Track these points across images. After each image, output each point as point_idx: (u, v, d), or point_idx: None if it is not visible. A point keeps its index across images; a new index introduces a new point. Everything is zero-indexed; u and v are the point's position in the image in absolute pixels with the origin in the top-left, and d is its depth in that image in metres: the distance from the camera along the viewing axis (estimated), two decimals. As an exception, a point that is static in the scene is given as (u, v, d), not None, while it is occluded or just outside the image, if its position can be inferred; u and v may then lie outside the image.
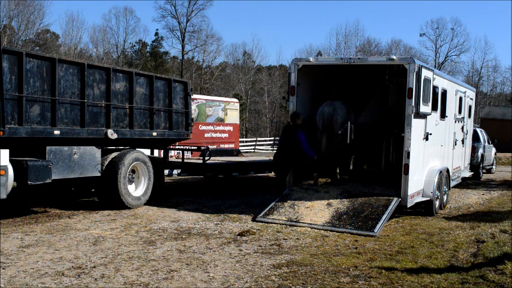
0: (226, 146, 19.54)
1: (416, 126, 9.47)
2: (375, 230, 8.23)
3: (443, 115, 11.28)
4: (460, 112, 13.17)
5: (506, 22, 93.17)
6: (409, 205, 9.39)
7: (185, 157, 13.24)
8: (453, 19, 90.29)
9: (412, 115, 9.18)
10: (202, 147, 12.89)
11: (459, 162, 13.69)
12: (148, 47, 58.60)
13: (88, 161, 9.38)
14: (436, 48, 63.86)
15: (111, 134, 9.67)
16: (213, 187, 13.95)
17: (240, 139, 31.00)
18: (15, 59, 8.01)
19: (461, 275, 5.99)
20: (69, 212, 9.68)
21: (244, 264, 6.37)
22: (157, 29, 70.72)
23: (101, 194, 10.18)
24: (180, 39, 53.52)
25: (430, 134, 10.17)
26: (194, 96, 16.98)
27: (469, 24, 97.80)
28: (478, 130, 19.11)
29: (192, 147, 13.88)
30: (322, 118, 10.37)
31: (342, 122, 10.30)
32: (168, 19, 64.74)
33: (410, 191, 9.32)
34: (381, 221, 8.52)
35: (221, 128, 19.77)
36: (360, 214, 8.83)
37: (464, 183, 15.64)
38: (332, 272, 6.08)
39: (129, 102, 10.19)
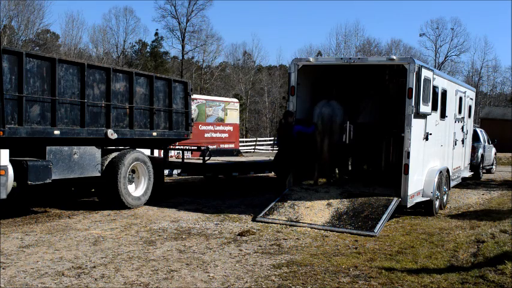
0: (226, 146, 19.54)
1: (416, 126, 9.47)
2: (375, 230, 8.23)
3: (443, 115, 11.28)
4: (460, 112, 13.17)
5: (506, 22, 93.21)
6: (409, 205, 9.39)
7: (185, 157, 13.24)
8: (453, 19, 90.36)
9: (412, 115, 9.19)
10: (202, 147, 12.89)
11: (459, 162, 13.68)
12: (148, 47, 58.56)
13: (88, 161, 9.38)
14: (436, 48, 63.96)
15: (111, 134, 9.67)
16: (213, 187, 13.95)
17: (240, 139, 30.99)
18: (15, 59, 8.01)
19: (461, 275, 5.99)
20: (69, 212, 9.68)
21: (244, 264, 6.37)
22: (157, 29, 70.80)
23: (101, 194, 10.18)
24: (180, 39, 53.52)
25: (430, 134, 10.17)
26: (194, 96, 16.98)
27: (469, 24, 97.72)
28: (478, 130, 19.10)
29: (192, 147, 13.88)
30: (322, 119, 10.35)
31: (341, 122, 10.32)
32: (168, 19, 64.72)
33: (410, 191, 9.32)
34: (381, 221, 8.52)
35: (221, 128, 19.77)
36: (360, 214, 8.83)
37: (464, 183, 15.63)
38: (332, 272, 6.08)
39: (129, 102, 10.19)
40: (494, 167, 21.47)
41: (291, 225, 8.69)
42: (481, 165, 18.45)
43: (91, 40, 62.95)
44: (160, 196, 11.31)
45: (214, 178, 14.28)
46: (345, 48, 60.15)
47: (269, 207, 9.48)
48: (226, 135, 19.96)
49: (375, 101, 11.14)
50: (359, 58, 10.95)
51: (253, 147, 34.24)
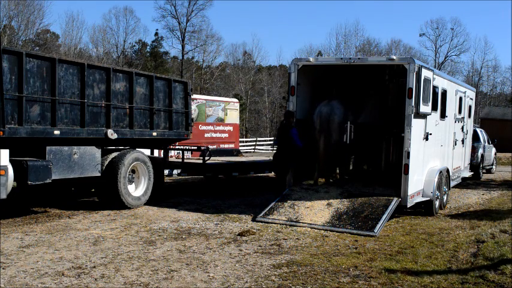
0: (226, 146, 19.54)
1: (416, 126, 9.47)
2: (375, 230, 8.23)
3: (443, 115, 11.28)
4: (460, 112, 13.17)
5: (506, 22, 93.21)
6: (409, 205, 9.40)
7: (185, 157, 13.24)
8: (453, 19, 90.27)
9: (412, 115, 9.19)
10: (202, 147, 12.89)
11: (459, 162, 13.68)
12: (148, 47, 58.57)
13: (88, 161, 9.38)
14: (436, 48, 63.93)
15: (111, 134, 9.67)
16: (213, 187, 13.95)
17: (240, 139, 30.99)
18: (15, 59, 8.01)
19: (461, 275, 5.99)
20: (69, 212, 9.68)
21: (244, 264, 6.37)
22: (157, 29, 70.67)
23: (101, 194, 10.18)
24: (180, 39, 53.55)
25: (430, 134, 10.17)
26: (194, 96, 16.98)
27: (469, 24, 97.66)
28: (478, 130, 19.09)
29: (192, 147, 13.88)
30: (320, 118, 10.39)
31: (340, 121, 10.32)
32: (168, 19, 64.45)
33: (410, 191, 9.32)
34: (381, 221, 8.52)
35: (221, 128, 19.77)
36: (360, 214, 8.83)
37: (464, 183, 15.63)
38: (332, 272, 6.08)
39: (129, 102, 10.19)
40: (494, 167, 21.47)
41: (291, 225, 8.69)
42: (481, 165, 18.45)
43: (91, 40, 63.06)
44: (160, 196, 11.30)
45: (214, 178, 14.27)
46: (345, 48, 60.21)
47: (269, 207, 9.49)
48: (226, 135, 19.96)
49: (375, 101, 11.15)
50: (359, 58, 10.95)
51: (253, 147, 34.25)
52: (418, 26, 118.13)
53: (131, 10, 66.84)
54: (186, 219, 9.21)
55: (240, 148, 23.06)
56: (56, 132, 8.67)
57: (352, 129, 10.24)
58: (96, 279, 5.62)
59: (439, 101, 10.77)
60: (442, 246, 7.49)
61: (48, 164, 8.51)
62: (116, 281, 5.60)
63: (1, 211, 9.22)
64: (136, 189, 10.47)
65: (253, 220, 9.19)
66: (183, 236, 7.81)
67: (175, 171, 13.17)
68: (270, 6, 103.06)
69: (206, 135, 18.93)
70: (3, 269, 5.91)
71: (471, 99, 14.91)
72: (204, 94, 40.88)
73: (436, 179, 10.24)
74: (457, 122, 12.93)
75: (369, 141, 10.85)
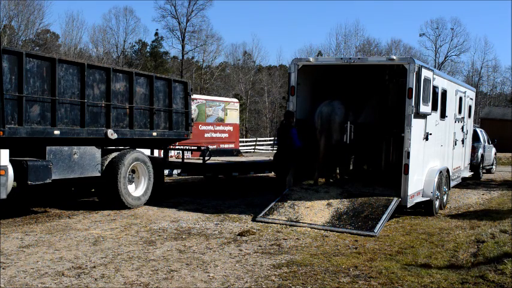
0: (226, 146, 19.54)
1: (416, 126, 9.47)
2: (375, 230, 8.23)
3: (443, 115, 11.28)
4: (460, 112, 13.17)
5: (506, 22, 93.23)
6: (409, 205, 9.40)
7: (185, 157, 13.24)
8: (453, 19, 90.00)
9: (412, 115, 9.19)
10: (202, 147, 12.89)
11: (459, 162, 13.68)
12: (148, 47, 58.51)
13: (88, 161, 9.38)
14: (436, 48, 63.91)
15: (111, 134, 9.67)
16: (213, 187, 13.95)
17: (240, 139, 30.99)
18: (15, 59, 8.01)
19: (461, 275, 5.99)
20: (69, 212, 9.68)
21: (244, 264, 6.37)
22: (157, 29, 70.59)
23: (101, 194, 10.18)
24: (180, 39, 53.51)
25: (430, 134, 10.17)
26: (194, 96, 16.97)
27: (469, 24, 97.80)
28: (478, 130, 19.09)
29: (192, 147, 13.88)
30: (321, 118, 10.41)
31: (341, 121, 10.32)
32: (168, 19, 64.25)
33: (410, 191, 9.32)
34: (381, 221, 8.52)
35: (221, 128, 19.77)
36: (360, 214, 8.83)
37: (464, 183, 15.63)
38: (332, 272, 6.08)
39: (129, 102, 10.20)
40: (494, 167, 21.46)
41: (291, 225, 8.69)
42: (481, 165, 18.44)
43: (91, 40, 62.85)
44: (160, 196, 11.31)
45: (214, 178, 14.27)
46: (345, 48, 60.17)
47: (269, 207, 9.49)
48: (226, 135, 19.96)
49: (375, 101, 11.15)
50: (359, 58, 10.96)
51: (253, 147, 34.25)
52: (418, 26, 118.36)
53: (131, 10, 66.88)
54: (186, 219, 9.21)
55: (240, 148, 23.06)
56: (56, 132, 8.68)
57: (352, 129, 10.25)
58: (96, 279, 5.62)
59: (439, 101, 10.77)
60: (442, 246, 7.49)
61: (48, 164, 8.51)
62: (116, 281, 5.61)
63: (1, 211, 9.22)
64: (137, 189, 10.47)
65: (253, 220, 9.19)
66: (183, 236, 7.82)
67: (175, 171, 13.17)
68: (270, 6, 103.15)
69: (206, 135, 18.92)
70: (3, 269, 5.92)
71: (471, 99, 14.91)
72: (204, 94, 40.91)
73: (436, 179, 10.24)
74: (457, 122, 12.93)
75: (369, 141, 10.85)
